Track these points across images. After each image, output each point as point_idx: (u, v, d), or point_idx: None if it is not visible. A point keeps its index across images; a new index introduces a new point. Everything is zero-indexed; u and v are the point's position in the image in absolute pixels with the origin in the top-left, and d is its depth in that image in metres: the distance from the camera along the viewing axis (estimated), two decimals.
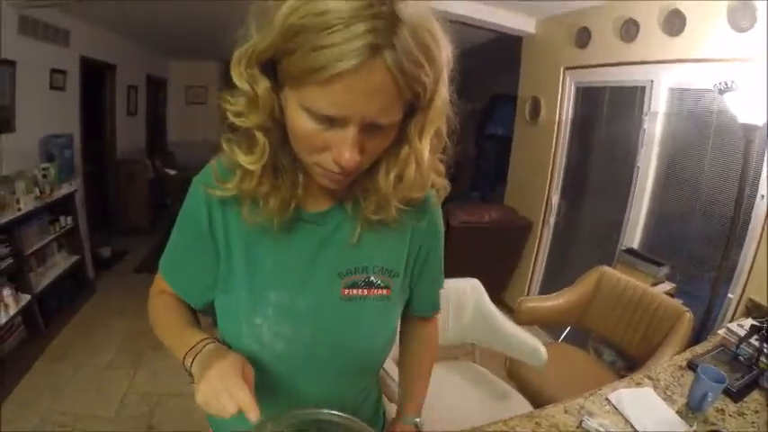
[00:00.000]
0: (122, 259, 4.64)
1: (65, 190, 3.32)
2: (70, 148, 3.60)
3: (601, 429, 1.19)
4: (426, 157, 0.64)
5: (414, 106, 0.59)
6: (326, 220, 0.74)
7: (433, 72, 0.55)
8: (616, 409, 1.29)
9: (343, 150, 0.55)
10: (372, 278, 0.76)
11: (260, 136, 0.61)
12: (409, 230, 0.78)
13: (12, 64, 2.92)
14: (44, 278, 3.12)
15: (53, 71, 3.44)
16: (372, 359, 0.85)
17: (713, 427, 1.25)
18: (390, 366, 1.63)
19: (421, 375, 1.02)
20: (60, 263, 3.41)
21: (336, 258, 0.75)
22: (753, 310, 2.06)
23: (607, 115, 3.08)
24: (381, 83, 0.51)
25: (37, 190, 2.96)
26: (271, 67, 0.56)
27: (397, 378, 1.57)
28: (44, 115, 3.38)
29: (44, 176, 3.07)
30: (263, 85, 0.57)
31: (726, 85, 1.94)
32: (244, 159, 0.63)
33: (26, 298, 2.80)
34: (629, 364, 2.32)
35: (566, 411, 1.28)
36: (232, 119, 0.61)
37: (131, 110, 5.37)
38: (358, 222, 0.73)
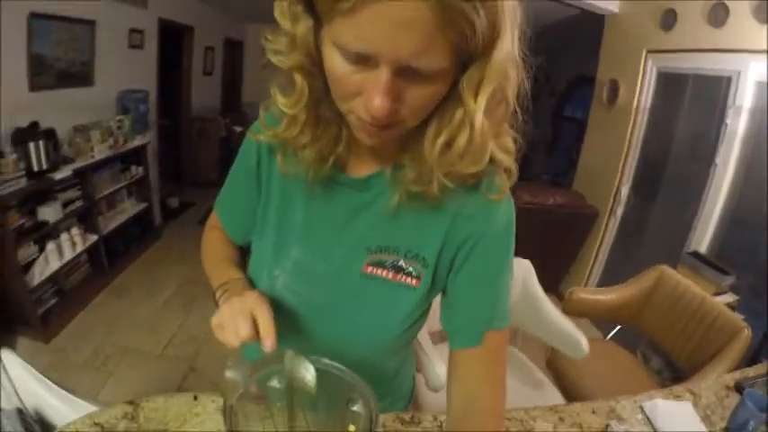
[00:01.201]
0: (189, 210, 4.89)
1: (138, 141, 3.52)
2: (145, 103, 3.80)
3: None
4: (481, 121, 0.53)
5: (468, 58, 0.50)
6: (366, 188, 0.69)
7: (488, 13, 0.45)
8: (648, 419, 1.21)
9: (373, 95, 0.48)
10: (402, 263, 0.68)
11: (298, 78, 0.57)
12: (450, 215, 0.67)
13: (91, 23, 3.08)
14: (112, 222, 3.36)
15: (131, 31, 3.60)
16: (386, 344, 0.77)
17: None
18: (422, 334, 1.61)
19: None
20: (129, 209, 3.65)
21: (367, 230, 0.69)
22: None
23: (688, 105, 2.84)
24: (415, 14, 0.43)
25: (111, 140, 3.17)
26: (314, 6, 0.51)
27: (426, 348, 1.57)
28: (122, 72, 3.55)
29: (119, 128, 3.28)
30: (304, 22, 0.52)
31: None
32: (282, 102, 0.59)
33: (93, 238, 3.03)
34: (676, 375, 2.18)
35: (593, 411, 1.21)
36: (270, 57, 0.57)
37: (208, 70, 5.55)
38: (396, 191, 0.65)
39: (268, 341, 0.59)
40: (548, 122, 6.13)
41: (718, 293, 2.21)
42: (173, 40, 4.60)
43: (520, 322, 1.99)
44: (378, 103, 0.48)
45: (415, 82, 0.49)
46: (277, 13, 0.54)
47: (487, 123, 0.55)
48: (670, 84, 2.98)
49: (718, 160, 2.53)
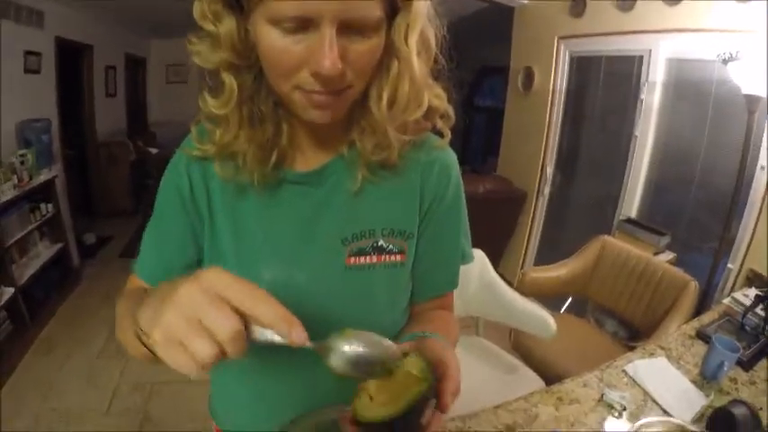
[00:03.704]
0: (107, 245, 4.51)
1: (44, 176, 3.19)
2: (48, 133, 3.45)
3: (622, 402, 1.17)
4: (416, 63, 0.57)
5: (393, 10, 0.54)
6: (321, 181, 0.66)
7: None
8: (633, 380, 1.28)
9: (321, 57, 0.48)
10: (382, 242, 0.67)
11: (226, 76, 0.57)
12: (419, 181, 0.69)
13: None
14: (27, 269, 2.99)
15: (27, 53, 3.26)
16: (395, 327, 0.75)
17: (730, 397, 1.24)
18: None
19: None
20: (43, 252, 3.28)
21: (337, 223, 0.66)
22: (754, 280, 2.06)
23: (603, 85, 3.04)
24: None
25: (15, 178, 2.83)
26: (236, 1, 0.53)
27: None
28: (20, 100, 3.20)
29: (22, 163, 2.94)
30: (227, 19, 0.53)
31: (730, 54, 1.90)
32: (212, 104, 0.59)
33: (9, 292, 2.68)
34: (631, 334, 2.33)
35: (585, 385, 1.27)
36: (195, 60, 0.57)
37: (110, 91, 5.18)
38: (358, 169, 0.64)
39: (293, 331, 0.39)
40: (459, 114, 6.35)
41: (657, 253, 2.38)
42: (70, 61, 4.23)
43: (483, 312, 2.03)
44: (328, 63, 0.48)
45: (355, 40, 0.51)
46: (197, 15, 0.54)
47: (422, 68, 0.58)
48: (584, 66, 3.16)
49: (637, 132, 2.73)
